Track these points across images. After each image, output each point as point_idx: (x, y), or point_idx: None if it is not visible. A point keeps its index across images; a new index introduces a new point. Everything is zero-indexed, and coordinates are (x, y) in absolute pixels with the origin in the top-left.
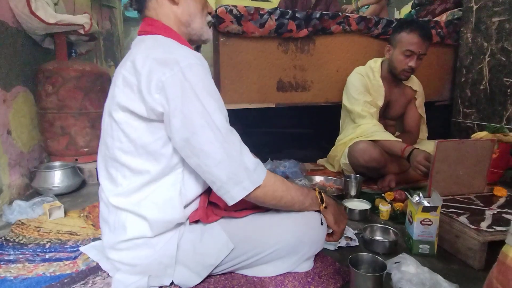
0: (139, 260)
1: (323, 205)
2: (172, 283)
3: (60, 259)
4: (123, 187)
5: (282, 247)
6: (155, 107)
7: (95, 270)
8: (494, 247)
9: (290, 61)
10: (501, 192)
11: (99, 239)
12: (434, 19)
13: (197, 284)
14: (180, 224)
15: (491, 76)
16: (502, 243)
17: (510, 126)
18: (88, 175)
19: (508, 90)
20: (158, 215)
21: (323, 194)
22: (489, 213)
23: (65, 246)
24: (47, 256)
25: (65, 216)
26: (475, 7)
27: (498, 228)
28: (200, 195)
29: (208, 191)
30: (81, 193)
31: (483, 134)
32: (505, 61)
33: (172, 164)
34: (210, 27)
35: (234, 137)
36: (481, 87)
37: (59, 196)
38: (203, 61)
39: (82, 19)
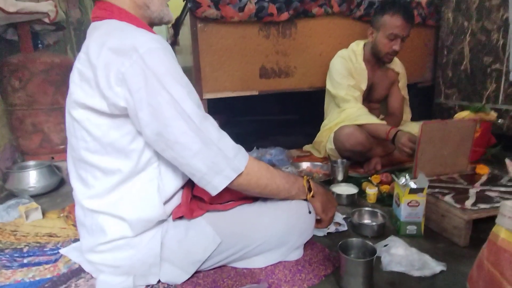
0: (122, 261)
1: (311, 194)
2: (159, 281)
3: (39, 263)
4: (96, 188)
5: (270, 238)
6: (117, 101)
7: (78, 272)
8: (478, 224)
9: (272, 46)
10: (483, 170)
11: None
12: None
13: (186, 280)
14: (162, 221)
15: (472, 55)
16: (486, 220)
17: (491, 105)
18: (66, 173)
19: (488, 69)
20: (137, 214)
21: (311, 182)
22: (472, 191)
23: (45, 249)
24: (25, 260)
25: (43, 217)
26: None
27: (482, 206)
28: (182, 189)
29: (190, 185)
30: (60, 192)
31: (465, 113)
32: (485, 40)
33: (145, 160)
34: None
35: (209, 124)
36: (462, 67)
37: (36, 197)
38: (165, 44)
39: (46, 6)
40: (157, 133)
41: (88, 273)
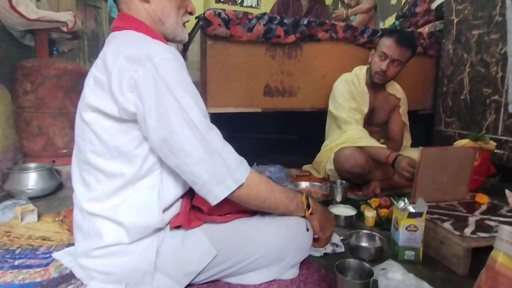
0: (115, 268)
1: (309, 211)
2: None
3: (30, 266)
4: (97, 191)
5: (267, 254)
6: (128, 107)
7: (68, 278)
8: (477, 254)
9: (278, 66)
10: (482, 199)
11: (74, 245)
12: (418, 30)
13: None
14: (159, 230)
15: (471, 86)
16: (485, 249)
17: (490, 135)
18: (65, 177)
19: (487, 100)
20: (135, 220)
21: (309, 200)
22: (472, 219)
23: (37, 252)
24: (16, 262)
25: (38, 220)
26: (455, 20)
27: (482, 234)
28: (182, 198)
29: (190, 195)
30: (58, 196)
31: (465, 141)
32: (484, 72)
33: (148, 166)
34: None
35: (214, 134)
36: (462, 97)
37: (34, 199)
38: (177, 55)
39: (65, 16)
40: (162, 139)
41: (78, 280)
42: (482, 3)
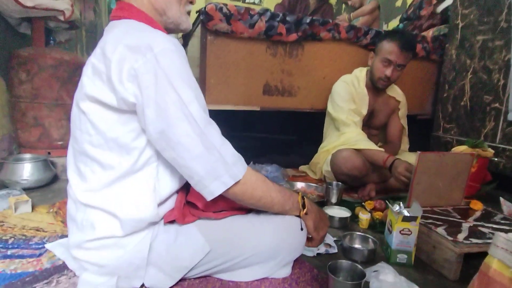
0: (108, 261)
1: (304, 211)
2: (142, 285)
3: (22, 256)
4: (92, 182)
5: (260, 251)
6: (127, 97)
7: (61, 269)
8: (469, 259)
9: (278, 65)
10: (477, 205)
11: (67, 236)
12: (421, 34)
13: (170, 287)
14: (153, 224)
15: (472, 93)
16: (477, 256)
17: (488, 143)
18: (61, 169)
19: (487, 108)
20: (130, 213)
21: (305, 199)
22: (466, 225)
23: (30, 243)
24: (8, 252)
25: (32, 211)
26: (461, 25)
27: (474, 241)
28: (177, 193)
29: (185, 190)
30: (52, 188)
31: (463, 148)
32: (486, 79)
33: (145, 158)
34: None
35: (213, 129)
36: (462, 103)
37: (28, 190)
38: (179, 47)
39: (63, 4)
40: (160, 132)
41: (71, 271)
42: (489, 8)
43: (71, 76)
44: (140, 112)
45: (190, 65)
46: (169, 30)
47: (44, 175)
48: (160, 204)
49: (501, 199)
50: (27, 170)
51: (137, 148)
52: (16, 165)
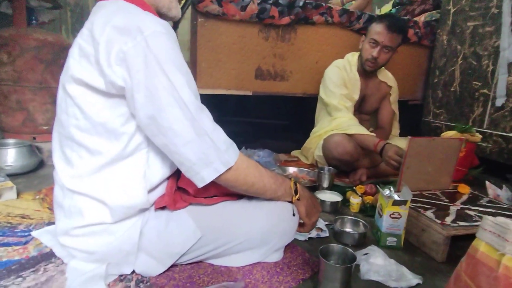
0: (97, 247)
1: (296, 197)
2: (133, 271)
3: (8, 244)
4: (80, 168)
5: (252, 237)
6: (115, 80)
7: (48, 256)
8: (456, 242)
9: (270, 48)
10: (464, 189)
11: (54, 223)
12: (414, 19)
13: (161, 273)
14: (144, 210)
15: (462, 79)
16: (463, 238)
17: (476, 128)
18: (47, 155)
19: (476, 93)
20: (119, 200)
21: (298, 185)
22: (453, 208)
23: (15, 230)
24: None
25: (17, 198)
26: (452, 10)
27: (461, 223)
28: (168, 179)
29: (176, 176)
30: (38, 174)
31: (452, 133)
32: (476, 65)
33: (134, 144)
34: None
35: (204, 115)
36: (452, 89)
37: (13, 176)
38: (170, 30)
39: None
40: (150, 117)
41: (59, 258)
42: None
43: (56, 58)
44: (129, 97)
45: (181, 48)
46: (160, 15)
47: (29, 161)
48: (150, 190)
49: (487, 182)
50: (11, 156)
51: (126, 134)
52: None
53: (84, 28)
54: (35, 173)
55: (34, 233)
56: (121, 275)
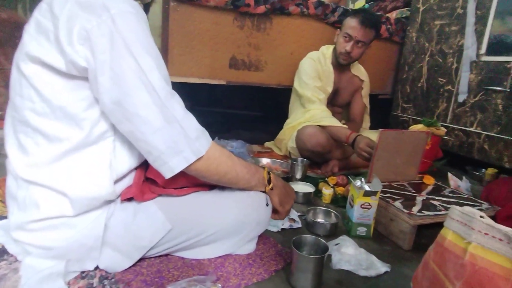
0: (55, 243)
1: (270, 186)
2: (96, 267)
3: None
4: (36, 156)
5: (224, 228)
6: (77, 60)
7: (0, 253)
8: (422, 231)
9: (245, 38)
10: (429, 180)
11: (7, 217)
12: (386, 15)
13: (127, 269)
14: (109, 202)
15: (429, 75)
16: (428, 226)
17: (440, 122)
18: (0, 143)
19: (441, 89)
20: (82, 191)
21: (271, 175)
22: (419, 199)
23: None
24: None
25: None
26: (421, 9)
27: (427, 213)
28: (135, 169)
29: (144, 166)
30: None
31: (419, 126)
32: (441, 62)
33: (99, 131)
34: None
35: (175, 101)
36: (419, 84)
37: None
38: (140, 10)
39: None
40: (115, 102)
41: (12, 255)
42: None
43: (10, 37)
44: (92, 79)
45: (152, 34)
46: None
47: None
48: (116, 181)
49: (449, 174)
50: None
51: (88, 119)
52: None
53: (42, 3)
54: None
55: None
56: (82, 272)
